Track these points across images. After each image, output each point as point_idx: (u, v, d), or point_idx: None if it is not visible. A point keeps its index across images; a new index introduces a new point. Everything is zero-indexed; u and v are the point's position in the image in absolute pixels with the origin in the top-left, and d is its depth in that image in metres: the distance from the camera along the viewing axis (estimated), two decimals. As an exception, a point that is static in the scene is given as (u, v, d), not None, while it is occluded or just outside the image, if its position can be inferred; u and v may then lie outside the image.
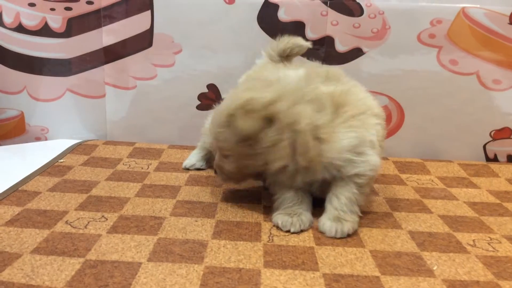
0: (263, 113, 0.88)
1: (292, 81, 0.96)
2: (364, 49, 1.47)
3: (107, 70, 1.52)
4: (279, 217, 0.98)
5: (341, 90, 0.97)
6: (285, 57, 1.22)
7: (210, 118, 1.11)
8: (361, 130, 0.94)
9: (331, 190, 0.98)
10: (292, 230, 0.95)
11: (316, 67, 1.11)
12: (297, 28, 1.46)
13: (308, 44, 1.21)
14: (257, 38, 1.45)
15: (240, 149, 0.93)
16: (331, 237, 0.94)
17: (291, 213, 0.98)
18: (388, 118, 1.51)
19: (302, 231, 0.96)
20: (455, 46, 1.45)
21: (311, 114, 0.91)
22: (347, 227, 0.95)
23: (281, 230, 0.96)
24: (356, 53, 1.47)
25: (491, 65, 1.46)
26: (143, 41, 1.50)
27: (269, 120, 0.89)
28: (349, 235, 0.94)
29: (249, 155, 0.93)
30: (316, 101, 0.92)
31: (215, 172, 1.05)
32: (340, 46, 1.47)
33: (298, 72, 1.01)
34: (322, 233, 0.96)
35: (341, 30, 1.46)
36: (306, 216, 0.98)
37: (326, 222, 0.96)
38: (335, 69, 1.06)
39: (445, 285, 0.79)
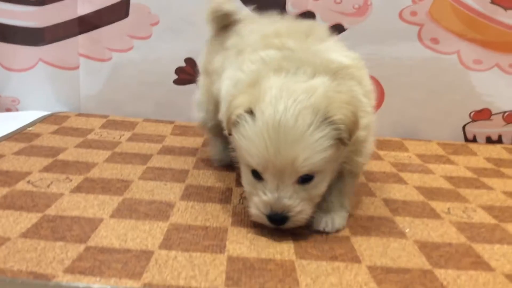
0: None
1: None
2: (346, 26, 1.44)
3: (82, 41, 1.48)
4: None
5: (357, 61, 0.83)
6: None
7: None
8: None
9: None
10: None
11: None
12: (278, 1, 1.43)
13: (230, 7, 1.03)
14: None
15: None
16: (317, 231, 0.80)
17: None
18: (368, 97, 1.49)
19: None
20: (437, 25, 1.43)
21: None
22: (338, 222, 0.81)
23: None
24: (337, 29, 1.45)
25: (472, 45, 1.45)
26: (119, 11, 1.46)
27: None
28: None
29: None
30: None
31: (280, 219, 0.74)
32: (322, 22, 1.44)
33: None
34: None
35: (322, 5, 1.43)
36: None
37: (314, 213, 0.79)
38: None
39: (417, 246, 0.77)
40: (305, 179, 0.72)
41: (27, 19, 1.45)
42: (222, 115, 0.88)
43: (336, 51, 0.83)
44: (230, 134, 0.76)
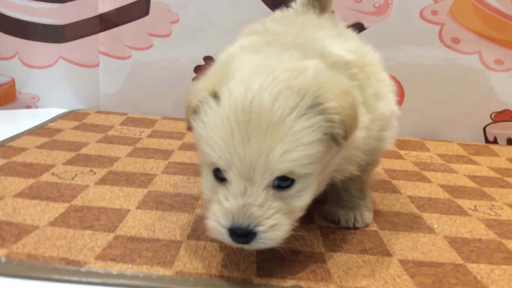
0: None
1: None
2: (366, 24, 1.44)
3: (102, 39, 1.48)
4: None
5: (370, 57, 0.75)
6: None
7: None
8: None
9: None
10: None
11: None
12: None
13: None
14: (256, 9, 1.42)
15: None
16: (347, 227, 0.76)
17: None
18: (388, 96, 1.48)
19: None
20: (458, 24, 1.42)
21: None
22: (368, 216, 0.78)
23: None
24: (357, 28, 1.44)
25: (493, 44, 1.43)
26: (140, 9, 1.46)
27: None
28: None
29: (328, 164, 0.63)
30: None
31: (243, 234, 0.55)
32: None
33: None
34: (332, 223, 0.78)
35: (342, 4, 1.43)
36: None
37: (339, 211, 0.78)
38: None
39: (447, 241, 0.76)
40: (283, 183, 0.55)
41: (48, 16, 1.46)
42: None
43: (337, 42, 0.68)
44: (189, 128, 0.61)
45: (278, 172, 0.53)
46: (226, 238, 0.55)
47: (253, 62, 0.57)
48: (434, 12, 1.41)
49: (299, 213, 0.59)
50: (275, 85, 0.53)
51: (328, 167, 0.60)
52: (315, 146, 0.54)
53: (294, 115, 0.53)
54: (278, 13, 0.84)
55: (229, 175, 0.54)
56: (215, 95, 0.55)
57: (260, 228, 0.54)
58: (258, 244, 0.55)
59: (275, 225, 0.54)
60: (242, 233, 0.54)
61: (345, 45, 0.68)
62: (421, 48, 1.44)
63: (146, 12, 1.46)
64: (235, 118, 0.52)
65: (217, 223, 0.55)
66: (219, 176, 0.56)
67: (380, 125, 0.69)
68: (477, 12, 1.41)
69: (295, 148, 0.53)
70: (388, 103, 0.72)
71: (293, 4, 0.86)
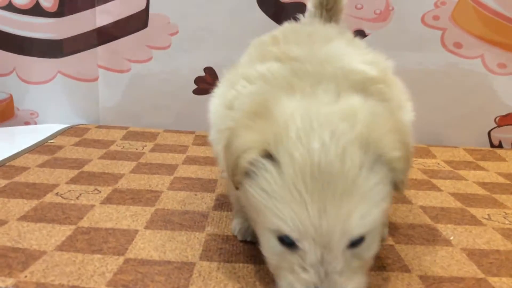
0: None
1: None
2: (367, 31, 1.42)
3: (101, 52, 1.46)
4: (238, 224, 0.75)
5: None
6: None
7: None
8: None
9: None
10: (252, 239, 0.71)
11: None
12: (298, 9, 1.41)
13: None
14: (256, 19, 1.41)
15: None
16: None
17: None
18: (391, 103, 1.46)
19: None
20: (460, 29, 1.41)
21: None
22: (384, 230, 0.75)
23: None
24: (358, 35, 1.43)
25: (496, 48, 1.42)
26: (138, 21, 1.44)
27: None
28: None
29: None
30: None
31: None
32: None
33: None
34: None
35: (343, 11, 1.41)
36: None
37: None
38: None
39: (465, 253, 0.74)
40: (356, 243, 0.52)
41: (45, 31, 1.44)
42: (217, 152, 0.67)
43: (352, 54, 0.66)
44: (237, 188, 0.56)
45: (356, 235, 0.51)
46: None
47: (299, 110, 0.53)
48: (436, 17, 1.40)
49: (370, 264, 0.56)
50: (337, 142, 0.50)
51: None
52: (387, 199, 0.52)
53: (364, 173, 0.50)
54: (287, 26, 0.81)
55: (303, 244, 0.50)
56: (269, 155, 0.51)
57: None
58: None
59: (357, 286, 0.52)
60: None
61: (363, 58, 0.66)
62: (423, 53, 1.43)
63: (144, 25, 1.45)
64: (305, 188, 0.49)
65: None
66: (287, 243, 0.52)
67: None
68: (479, 16, 1.40)
69: (371, 209, 0.50)
70: (408, 112, 0.71)
71: (301, 16, 0.84)
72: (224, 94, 0.67)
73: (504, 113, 1.48)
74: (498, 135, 1.50)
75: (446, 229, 0.83)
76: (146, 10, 1.43)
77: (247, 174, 0.52)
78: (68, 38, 1.45)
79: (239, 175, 0.53)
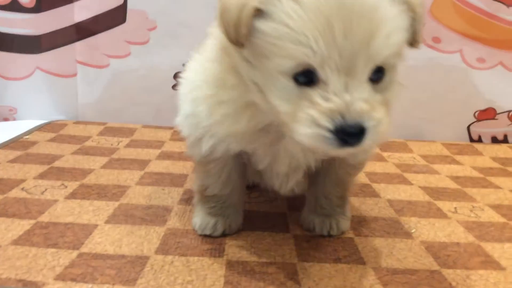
0: None
1: None
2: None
3: (79, 48, 1.46)
4: (198, 217, 0.75)
5: None
6: None
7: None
8: None
9: (314, 185, 0.76)
10: (211, 233, 0.73)
11: None
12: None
13: None
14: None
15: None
16: (321, 235, 0.75)
17: (216, 213, 0.74)
18: (370, 98, 1.47)
19: (225, 235, 0.74)
20: (438, 23, 1.41)
21: None
22: (344, 224, 0.76)
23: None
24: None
25: (475, 43, 1.42)
26: (117, 17, 1.44)
27: None
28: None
29: None
30: None
31: (358, 131, 0.51)
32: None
33: None
34: (307, 230, 0.77)
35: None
36: (235, 220, 0.75)
37: (315, 219, 0.76)
38: None
39: (423, 246, 0.74)
40: (376, 76, 0.52)
41: (23, 27, 1.44)
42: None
43: None
44: (242, 45, 0.53)
45: (379, 60, 0.50)
46: (333, 142, 0.50)
47: None
48: (414, 12, 1.40)
49: (390, 107, 0.56)
50: None
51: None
52: (405, 33, 0.53)
53: (387, 2, 0.51)
54: None
55: (325, 72, 0.49)
56: None
57: (371, 123, 0.50)
58: (367, 141, 0.51)
59: (382, 118, 0.51)
60: (355, 132, 0.49)
61: None
62: (402, 48, 1.42)
63: (123, 20, 1.44)
64: (329, 7, 0.48)
65: (319, 128, 0.50)
66: (303, 80, 0.51)
67: None
68: (457, 11, 1.40)
69: (395, 32, 0.50)
70: None
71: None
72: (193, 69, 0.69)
73: (483, 108, 1.48)
74: (478, 129, 1.50)
75: (409, 222, 0.83)
76: (124, 5, 1.43)
77: (260, 15, 0.51)
78: (46, 33, 1.45)
79: (243, 26, 0.51)
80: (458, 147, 1.39)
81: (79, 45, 1.46)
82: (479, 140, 1.50)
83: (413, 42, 0.55)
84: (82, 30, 1.44)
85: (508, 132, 1.50)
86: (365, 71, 0.50)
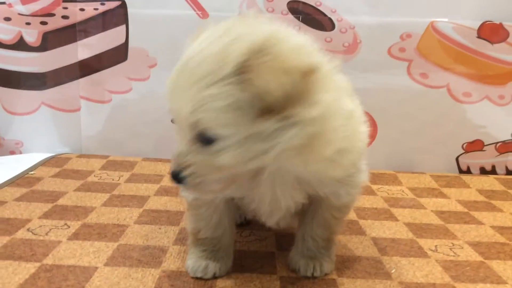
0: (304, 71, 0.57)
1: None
2: (336, 63, 1.48)
3: (83, 84, 1.53)
4: (191, 260, 0.81)
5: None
6: None
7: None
8: (364, 137, 0.76)
9: (303, 226, 0.82)
10: (202, 276, 0.79)
11: None
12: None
13: None
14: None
15: (251, 123, 0.58)
16: (305, 276, 0.80)
17: (207, 256, 0.80)
18: (361, 131, 1.53)
19: (215, 278, 0.79)
20: (425, 60, 1.47)
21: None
22: (327, 266, 0.82)
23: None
24: (328, 66, 1.49)
25: (461, 78, 1.48)
26: (118, 55, 1.51)
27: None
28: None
29: (267, 135, 0.59)
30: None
31: (178, 179, 0.64)
32: (313, 60, 1.48)
33: None
34: (292, 271, 0.82)
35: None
36: (225, 262, 0.81)
37: (300, 260, 0.82)
38: None
39: (401, 287, 0.79)
40: (207, 140, 0.60)
41: (29, 65, 1.51)
42: None
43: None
44: None
45: (197, 129, 0.60)
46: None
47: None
48: (402, 49, 1.47)
49: (224, 172, 0.63)
50: (211, 47, 0.62)
51: (262, 142, 0.59)
52: (229, 111, 0.58)
53: (211, 79, 0.58)
54: None
55: (176, 127, 0.63)
56: None
57: (182, 173, 0.63)
58: (186, 185, 0.64)
59: (194, 173, 0.63)
60: (174, 176, 0.64)
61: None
62: (391, 83, 1.49)
63: (124, 58, 1.51)
64: (175, 73, 0.63)
65: None
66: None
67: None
68: (444, 48, 1.46)
69: (200, 108, 0.58)
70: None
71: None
72: None
73: (471, 140, 1.53)
74: (466, 160, 1.55)
75: (390, 262, 0.88)
76: (126, 43, 1.50)
77: None
78: (51, 71, 1.52)
79: None
80: (446, 179, 1.44)
81: (82, 82, 1.53)
82: (468, 170, 1.56)
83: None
84: (86, 68, 1.52)
85: (496, 162, 1.55)
86: (188, 133, 0.62)
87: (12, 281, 0.75)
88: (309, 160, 0.63)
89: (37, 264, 0.80)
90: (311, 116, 0.58)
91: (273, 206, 0.73)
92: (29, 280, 0.75)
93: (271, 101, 0.56)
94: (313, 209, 0.79)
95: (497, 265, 0.88)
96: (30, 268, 0.79)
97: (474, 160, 1.55)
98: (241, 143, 0.59)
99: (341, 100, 0.66)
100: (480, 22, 1.43)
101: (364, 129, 0.75)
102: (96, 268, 0.80)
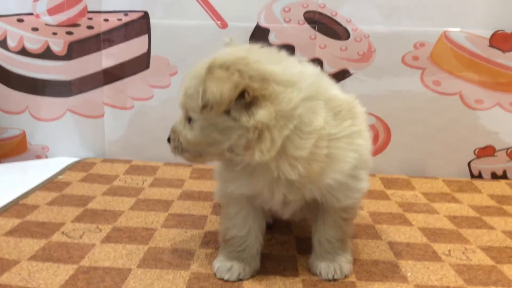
0: (246, 83, 0.71)
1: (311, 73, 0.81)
2: (351, 71, 1.53)
3: (106, 91, 1.59)
4: (218, 261, 0.87)
5: (355, 99, 0.84)
6: None
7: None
8: (360, 149, 0.79)
9: (317, 230, 0.88)
10: (226, 278, 0.84)
11: None
12: (287, 51, 1.52)
13: None
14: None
15: (209, 115, 0.73)
16: (327, 280, 0.86)
17: (233, 257, 0.86)
18: (376, 137, 1.57)
19: (240, 280, 0.84)
20: (438, 68, 1.52)
21: (326, 117, 0.75)
22: (346, 268, 0.87)
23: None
24: (343, 74, 1.54)
25: (473, 85, 1.52)
26: (141, 63, 1.57)
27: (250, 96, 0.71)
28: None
29: (221, 128, 0.74)
30: (332, 103, 0.77)
31: (169, 140, 0.86)
32: (328, 68, 1.53)
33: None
34: (314, 275, 0.87)
35: (329, 53, 1.53)
36: (250, 263, 0.86)
37: (320, 264, 0.87)
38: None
39: (417, 290, 0.84)
40: (189, 119, 0.79)
41: (55, 73, 1.57)
42: None
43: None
44: None
45: (185, 108, 0.80)
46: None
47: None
48: (415, 58, 1.51)
49: (192, 147, 0.81)
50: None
51: (218, 132, 0.75)
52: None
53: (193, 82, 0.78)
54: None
55: None
56: None
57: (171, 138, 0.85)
58: (170, 147, 0.86)
59: (175, 139, 0.84)
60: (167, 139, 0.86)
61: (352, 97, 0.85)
62: (404, 90, 1.53)
63: (147, 66, 1.57)
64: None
65: None
66: None
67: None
68: (456, 56, 1.50)
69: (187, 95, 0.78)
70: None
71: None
72: None
73: (483, 145, 1.57)
74: (478, 165, 1.59)
75: (406, 266, 0.93)
76: (148, 52, 1.56)
77: None
78: (76, 79, 1.58)
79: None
80: (458, 184, 1.48)
81: (106, 89, 1.59)
82: (479, 175, 1.60)
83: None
84: (109, 76, 1.58)
85: (507, 168, 1.59)
86: (182, 108, 0.81)
87: (54, 282, 0.81)
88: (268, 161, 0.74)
89: (75, 266, 0.86)
90: (249, 124, 0.71)
91: (283, 200, 0.81)
92: (69, 281, 0.81)
93: (209, 100, 0.70)
94: (322, 212, 0.86)
95: (508, 269, 0.93)
96: (68, 269, 0.85)
97: (486, 165, 1.59)
98: (204, 128, 0.76)
99: (308, 114, 0.74)
100: (492, 31, 1.47)
101: (361, 142, 0.80)
102: (130, 270, 0.86)
